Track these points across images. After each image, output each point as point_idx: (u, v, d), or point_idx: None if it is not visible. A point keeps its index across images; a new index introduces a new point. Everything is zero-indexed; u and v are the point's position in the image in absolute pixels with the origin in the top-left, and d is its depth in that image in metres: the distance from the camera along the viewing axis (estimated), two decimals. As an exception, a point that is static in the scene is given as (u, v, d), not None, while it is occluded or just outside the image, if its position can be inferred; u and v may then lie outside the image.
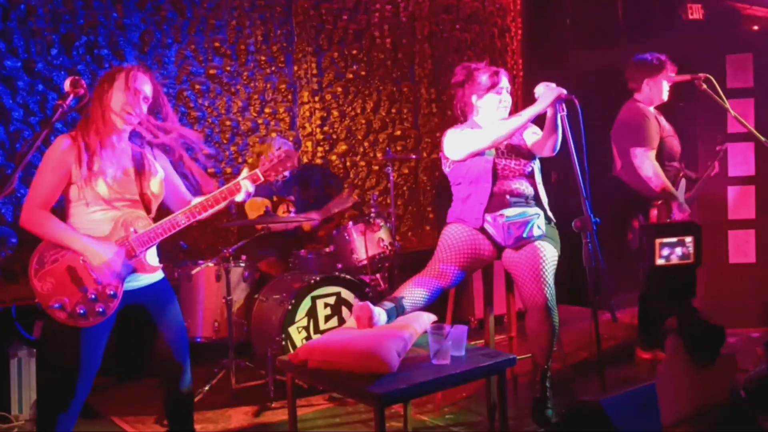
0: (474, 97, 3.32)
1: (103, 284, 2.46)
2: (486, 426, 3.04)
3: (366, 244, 4.24)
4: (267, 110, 5.02)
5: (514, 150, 3.28)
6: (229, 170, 4.82)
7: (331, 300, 3.90)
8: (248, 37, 4.91)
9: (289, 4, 5.10)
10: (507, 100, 3.31)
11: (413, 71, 5.78)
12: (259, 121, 4.99)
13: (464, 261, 3.18)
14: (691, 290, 4.18)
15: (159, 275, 2.69)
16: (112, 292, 2.48)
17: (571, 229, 2.95)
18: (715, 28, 5.08)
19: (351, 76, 5.42)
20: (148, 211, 2.63)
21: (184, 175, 2.84)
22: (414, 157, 5.45)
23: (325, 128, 5.31)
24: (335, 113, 5.36)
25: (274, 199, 4.61)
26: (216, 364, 4.02)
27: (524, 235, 3.12)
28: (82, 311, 2.43)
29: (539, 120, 3.17)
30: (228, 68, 4.83)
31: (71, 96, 2.38)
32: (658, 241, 3.50)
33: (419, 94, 5.81)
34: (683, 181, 4.18)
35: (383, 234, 4.31)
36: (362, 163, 5.51)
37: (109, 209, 2.53)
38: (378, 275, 4.29)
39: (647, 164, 3.97)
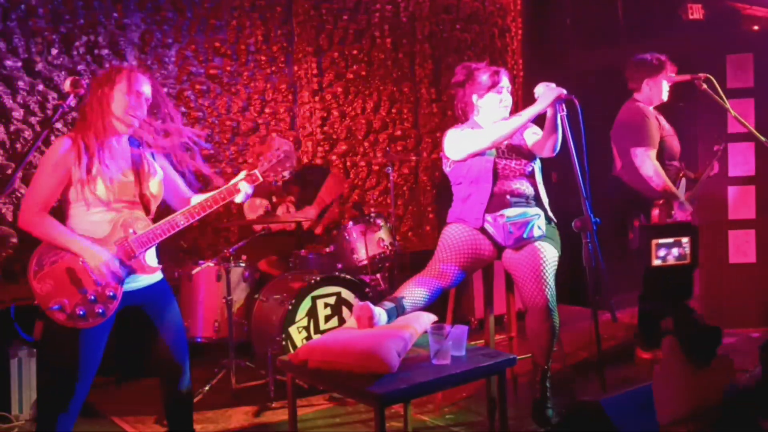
0: (475, 97, 3.32)
1: (102, 285, 2.46)
2: (486, 426, 3.03)
3: (366, 244, 4.25)
4: (267, 110, 5.03)
5: (515, 150, 3.28)
6: (229, 170, 4.82)
7: (332, 300, 3.90)
8: (248, 37, 4.91)
9: (289, 4, 5.10)
10: (507, 99, 3.31)
11: (413, 71, 5.79)
12: (260, 121, 4.99)
13: (464, 261, 3.17)
14: (688, 291, 4.18)
15: (158, 276, 2.69)
16: (111, 294, 2.48)
17: (571, 229, 2.94)
18: (716, 28, 5.08)
19: (351, 76, 5.42)
20: (147, 211, 2.62)
21: (183, 173, 2.83)
22: (414, 158, 5.46)
23: (326, 128, 5.32)
24: (335, 113, 5.36)
25: (274, 200, 4.61)
26: (216, 364, 4.02)
27: (524, 236, 3.12)
28: (81, 312, 2.43)
29: (540, 120, 3.17)
30: (228, 68, 4.83)
31: (71, 96, 2.38)
32: (654, 241, 3.50)
33: (419, 94, 5.81)
34: (683, 181, 4.18)
35: (383, 234, 4.31)
36: (362, 163, 5.51)
37: (108, 211, 2.53)
38: (378, 275, 4.29)
39: (648, 164, 3.97)
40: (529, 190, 3.25)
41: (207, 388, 3.85)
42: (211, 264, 3.98)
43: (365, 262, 4.24)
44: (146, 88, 2.59)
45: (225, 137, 4.83)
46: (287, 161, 2.70)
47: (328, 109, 5.32)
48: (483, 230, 3.21)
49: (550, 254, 3.13)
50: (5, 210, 4.00)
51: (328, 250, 4.35)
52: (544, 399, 3.15)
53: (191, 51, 4.67)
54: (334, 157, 5.36)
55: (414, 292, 3.07)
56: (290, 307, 3.73)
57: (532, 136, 3.29)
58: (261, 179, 2.66)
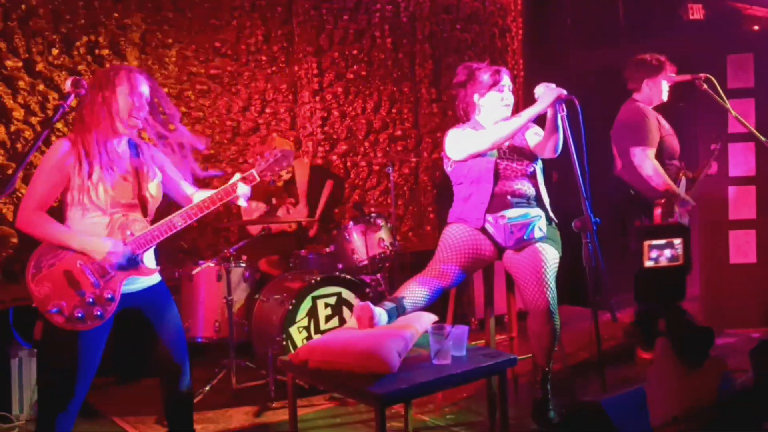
0: (476, 96, 3.31)
1: (101, 287, 2.46)
2: (486, 426, 3.04)
3: (366, 244, 4.24)
4: (268, 110, 5.03)
5: (516, 151, 3.28)
6: (230, 170, 4.82)
7: (332, 300, 3.90)
8: (249, 37, 4.92)
9: (289, 5, 5.10)
10: (509, 97, 3.30)
11: (414, 71, 5.79)
12: (260, 121, 5.00)
13: (465, 261, 3.17)
14: (681, 292, 4.19)
15: (156, 278, 2.69)
16: (109, 296, 2.48)
17: (572, 229, 2.94)
18: (716, 28, 5.08)
19: (351, 76, 5.42)
20: (145, 213, 2.61)
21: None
22: (414, 158, 5.46)
23: (326, 128, 5.32)
24: (336, 113, 5.36)
25: (274, 201, 4.61)
26: (217, 364, 4.02)
27: (525, 237, 3.12)
28: (80, 315, 2.43)
29: (541, 121, 3.17)
30: (229, 68, 4.84)
31: (72, 96, 2.38)
32: (646, 243, 3.50)
33: (420, 94, 5.82)
34: (684, 180, 4.18)
35: (384, 234, 4.31)
36: (363, 163, 5.51)
37: (106, 214, 2.52)
38: (379, 275, 4.29)
39: (647, 163, 3.97)
40: (530, 191, 3.25)
41: (207, 388, 3.85)
42: (212, 264, 3.98)
43: (366, 262, 4.24)
44: (145, 88, 2.58)
45: (225, 137, 4.84)
46: (284, 160, 2.69)
47: (328, 109, 5.32)
48: (484, 230, 3.21)
49: (551, 256, 3.13)
50: (5, 210, 4.00)
51: (328, 250, 4.35)
52: (545, 400, 3.15)
53: (192, 51, 4.67)
54: (334, 157, 5.36)
55: (414, 292, 3.06)
56: (291, 307, 3.73)
57: (534, 136, 3.28)
58: (258, 179, 2.66)
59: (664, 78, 4.10)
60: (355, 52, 5.43)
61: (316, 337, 3.76)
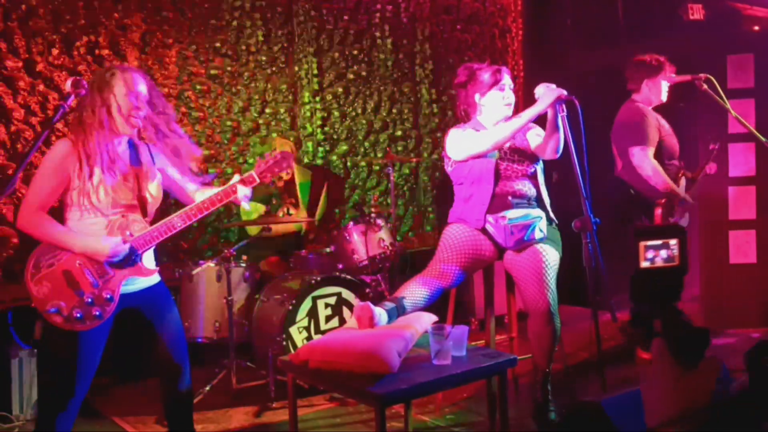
0: (477, 96, 3.30)
1: (99, 287, 2.47)
2: (487, 426, 3.04)
3: (367, 244, 4.25)
4: (268, 110, 5.03)
5: (517, 151, 3.27)
6: (230, 171, 4.82)
7: (332, 300, 3.91)
8: (249, 38, 4.92)
9: (289, 5, 5.11)
10: (510, 96, 3.29)
11: (414, 72, 5.79)
12: (260, 121, 5.00)
13: (465, 261, 3.17)
14: (676, 293, 4.19)
15: (156, 278, 2.69)
16: (108, 296, 2.48)
17: (572, 229, 2.94)
18: (716, 28, 5.07)
19: (352, 76, 5.43)
20: (144, 214, 2.61)
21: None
22: (415, 159, 5.46)
23: (326, 129, 5.32)
24: (336, 113, 5.36)
25: (274, 202, 4.61)
26: (217, 364, 4.02)
27: (525, 238, 3.12)
28: (78, 315, 2.43)
29: (541, 121, 3.17)
30: (229, 68, 4.84)
31: (72, 96, 2.38)
32: (642, 243, 3.50)
33: (420, 94, 5.82)
34: (683, 179, 4.19)
35: (384, 234, 4.31)
36: (363, 164, 5.51)
37: (106, 215, 2.52)
38: (379, 275, 4.29)
39: (647, 163, 3.97)
40: (531, 191, 3.24)
41: (207, 388, 3.85)
42: (212, 264, 3.98)
43: (366, 262, 4.24)
44: (143, 87, 2.58)
45: (226, 137, 4.84)
46: (284, 162, 2.69)
47: (328, 110, 5.32)
48: (484, 231, 3.20)
49: (551, 257, 3.13)
50: (6, 210, 4.00)
51: (328, 250, 4.35)
52: (546, 401, 3.15)
53: (192, 51, 4.68)
54: (334, 158, 5.36)
55: (415, 293, 3.06)
56: (291, 308, 3.73)
57: (535, 137, 3.27)
58: (258, 180, 2.66)
59: (664, 78, 4.10)
60: (355, 52, 5.43)
61: (316, 337, 3.77)
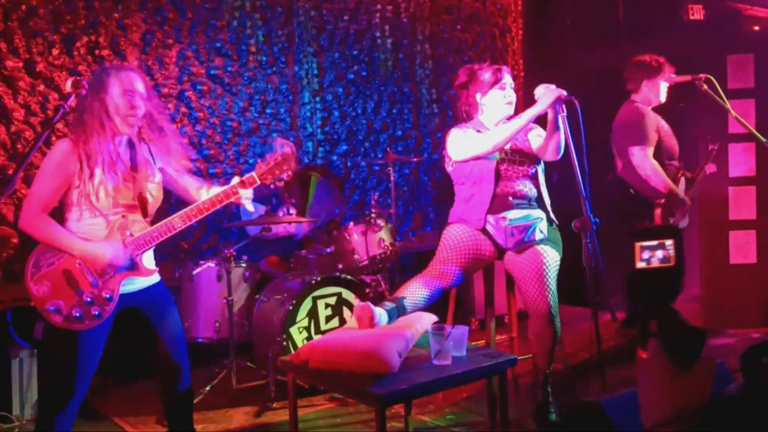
0: (478, 95, 3.30)
1: (99, 287, 2.47)
2: (487, 426, 3.04)
3: (367, 244, 4.24)
4: (268, 111, 5.03)
5: (519, 152, 3.26)
6: (230, 171, 4.82)
7: (332, 300, 3.91)
8: (249, 38, 4.92)
9: (290, 5, 5.11)
10: (511, 95, 3.28)
11: (414, 72, 5.79)
12: (261, 121, 5.00)
13: (465, 261, 3.17)
14: (673, 294, 4.19)
15: (156, 278, 2.69)
16: (108, 296, 2.48)
17: (571, 230, 2.94)
18: (716, 28, 5.08)
19: (352, 76, 5.43)
20: (145, 214, 2.62)
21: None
22: (415, 159, 5.46)
23: (327, 129, 5.32)
24: (336, 114, 5.37)
25: (274, 202, 4.61)
26: (217, 364, 4.03)
27: (526, 239, 3.11)
28: (78, 314, 2.44)
29: (542, 122, 3.16)
30: (229, 69, 4.84)
31: (72, 96, 2.38)
32: (638, 244, 3.50)
33: (420, 94, 5.82)
34: (683, 180, 4.19)
35: (384, 234, 4.31)
36: (363, 164, 5.51)
37: (107, 215, 2.53)
38: (379, 276, 4.29)
39: (646, 163, 3.97)
40: (531, 192, 3.24)
41: (208, 388, 3.85)
42: (212, 264, 3.98)
43: (366, 262, 4.24)
44: (139, 85, 2.57)
45: (226, 138, 4.84)
46: (285, 164, 2.68)
47: (329, 110, 5.32)
48: (484, 231, 3.20)
49: (552, 259, 3.12)
50: (6, 210, 4.00)
51: (328, 250, 4.35)
52: (546, 402, 3.15)
53: (192, 51, 4.68)
54: (335, 158, 5.36)
55: (415, 293, 3.06)
56: (291, 308, 3.73)
57: (537, 138, 3.26)
58: (258, 182, 2.65)
59: (663, 79, 4.10)
60: (355, 52, 5.43)
61: (316, 337, 3.77)
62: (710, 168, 4.38)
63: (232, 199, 2.62)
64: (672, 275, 3.88)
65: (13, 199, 4.00)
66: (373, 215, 4.39)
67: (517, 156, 3.24)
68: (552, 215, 3.31)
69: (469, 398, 3.66)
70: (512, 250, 3.18)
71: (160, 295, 2.69)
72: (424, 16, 5.81)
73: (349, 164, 5.44)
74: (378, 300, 3.36)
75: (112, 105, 2.50)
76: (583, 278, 2.89)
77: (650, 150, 3.99)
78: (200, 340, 3.99)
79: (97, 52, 4.28)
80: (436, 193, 5.89)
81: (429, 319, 2.92)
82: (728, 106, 3.89)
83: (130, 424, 3.52)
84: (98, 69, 2.66)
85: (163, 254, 2.79)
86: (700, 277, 5.01)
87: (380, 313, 2.83)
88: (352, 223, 4.30)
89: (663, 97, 4.16)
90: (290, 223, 4.62)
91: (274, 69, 5.04)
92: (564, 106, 3.00)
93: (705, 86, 3.87)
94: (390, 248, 4.30)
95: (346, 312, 3.93)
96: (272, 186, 2.74)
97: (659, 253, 3.50)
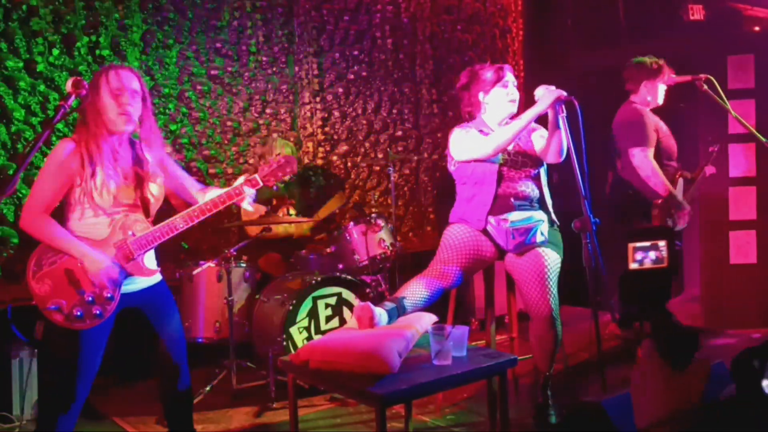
0: (481, 95, 3.28)
1: (99, 287, 2.47)
2: (487, 427, 3.03)
3: (367, 244, 4.24)
4: (268, 111, 5.03)
5: (521, 153, 3.25)
6: (230, 171, 4.82)
7: (332, 300, 3.91)
8: (249, 38, 4.92)
9: (290, 5, 5.10)
10: (514, 93, 3.27)
11: (414, 72, 5.79)
12: (261, 121, 4.99)
13: (466, 262, 3.17)
14: (666, 294, 4.18)
15: (157, 278, 2.69)
16: (109, 295, 2.49)
17: (571, 230, 2.94)
18: (717, 29, 5.08)
19: (352, 76, 5.43)
20: (147, 214, 2.62)
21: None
22: (415, 159, 5.46)
23: (327, 129, 5.32)
24: (336, 114, 5.36)
25: (274, 202, 4.61)
26: (217, 364, 4.03)
27: (527, 242, 3.11)
28: (79, 314, 2.44)
29: (544, 123, 3.16)
30: (229, 69, 4.83)
31: (73, 96, 2.38)
32: (631, 245, 3.50)
33: (420, 94, 5.82)
34: (681, 181, 4.19)
35: (384, 234, 4.31)
36: (363, 164, 5.51)
37: (108, 214, 2.53)
38: (379, 276, 4.29)
39: (646, 164, 3.98)
40: (534, 193, 3.23)
41: (208, 388, 3.85)
42: (212, 264, 3.98)
43: (366, 262, 4.24)
44: (132, 83, 2.56)
45: (226, 138, 4.84)
46: (287, 166, 2.70)
47: (329, 110, 5.32)
48: (485, 231, 3.20)
49: (553, 261, 3.12)
50: (6, 210, 4.00)
51: (328, 250, 4.35)
52: (546, 404, 3.15)
53: (192, 52, 4.67)
54: (334, 158, 5.36)
55: (415, 293, 3.06)
56: (291, 308, 3.73)
57: (540, 139, 3.25)
58: (261, 184, 2.67)
59: (662, 81, 4.11)
60: (355, 52, 5.43)
61: (316, 337, 3.77)
62: (710, 170, 4.39)
63: (235, 200, 2.63)
64: (665, 276, 3.89)
65: (13, 200, 3.99)
66: (373, 215, 4.39)
67: (520, 157, 3.23)
68: (553, 216, 3.30)
69: (469, 398, 3.66)
70: (513, 252, 3.17)
71: (161, 295, 2.70)
72: (424, 16, 5.80)
73: (348, 164, 5.44)
74: (378, 300, 3.36)
75: (107, 103, 2.50)
76: (583, 278, 2.89)
77: (650, 151, 4.00)
78: (200, 340, 3.99)
79: (97, 52, 4.28)
80: (436, 193, 5.88)
81: (429, 319, 2.92)
82: (728, 106, 3.90)
83: (130, 424, 3.52)
84: (100, 69, 2.66)
85: (163, 254, 2.79)
86: (701, 278, 5.02)
87: (380, 313, 2.83)
88: (352, 223, 4.31)
89: (661, 100, 4.16)
90: (290, 223, 4.62)
91: (274, 69, 5.04)
92: (564, 106, 3.00)
93: (705, 86, 3.88)
94: (390, 248, 4.30)
95: (346, 312, 3.93)
96: (275, 188, 2.76)
97: (652, 254, 3.50)
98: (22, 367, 3.61)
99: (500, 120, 3.27)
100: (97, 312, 2.46)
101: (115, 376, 4.10)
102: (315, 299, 3.84)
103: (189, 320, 3.97)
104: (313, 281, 3.83)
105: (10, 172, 3.97)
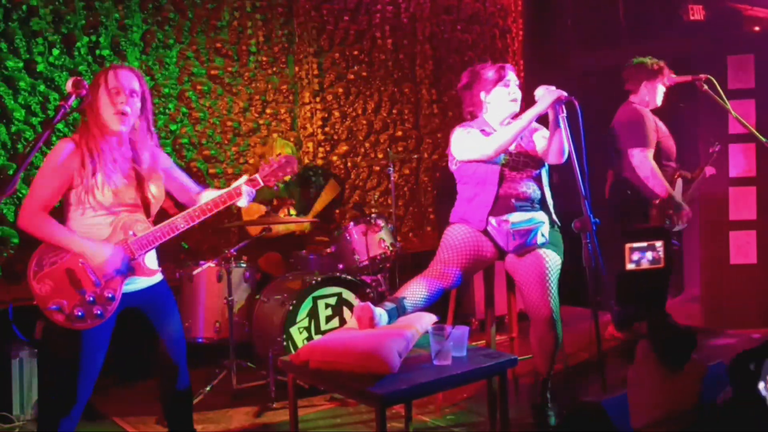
0: (482, 94, 3.27)
1: (101, 287, 2.47)
2: (487, 427, 3.04)
3: (367, 244, 4.24)
4: (268, 111, 5.03)
5: (523, 154, 3.24)
6: (230, 171, 4.82)
7: (332, 300, 3.91)
8: (249, 38, 4.92)
9: (290, 5, 5.11)
10: (515, 92, 3.26)
11: (414, 72, 5.79)
12: (261, 121, 5.00)
13: (466, 262, 3.17)
14: (663, 295, 4.18)
15: (158, 278, 2.69)
16: (110, 295, 2.49)
17: (571, 230, 2.94)
18: (717, 29, 5.08)
19: (352, 76, 5.43)
20: (147, 214, 2.62)
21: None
22: (415, 159, 5.46)
23: (327, 129, 5.32)
24: (336, 114, 5.36)
25: (274, 202, 4.61)
26: (217, 364, 4.03)
27: (527, 243, 3.11)
28: (80, 314, 2.44)
29: (545, 123, 3.16)
30: (229, 69, 4.84)
31: (73, 96, 2.38)
32: (628, 246, 3.50)
33: (420, 94, 5.82)
34: (680, 181, 4.19)
35: (384, 235, 4.31)
36: (363, 164, 5.51)
37: (109, 214, 2.53)
38: (379, 276, 4.29)
39: (646, 165, 3.98)
40: (535, 193, 3.23)
41: (208, 388, 3.85)
42: (212, 264, 3.98)
43: (366, 262, 4.24)
44: (133, 83, 2.55)
45: (226, 138, 4.84)
46: (288, 166, 2.71)
47: (329, 110, 5.32)
48: (485, 232, 3.20)
49: (553, 263, 3.12)
50: (6, 210, 4.00)
51: (329, 250, 4.35)
52: (545, 406, 3.15)
53: (192, 51, 4.68)
54: (335, 158, 5.36)
55: (415, 293, 3.06)
56: (291, 308, 3.73)
57: (541, 140, 3.24)
58: (262, 184, 2.67)
59: (662, 82, 4.11)
60: (355, 52, 5.43)
61: (316, 337, 3.77)
62: (710, 170, 4.39)
63: (235, 201, 2.63)
64: (662, 277, 3.89)
65: (14, 200, 4.00)
66: (373, 215, 4.39)
67: (522, 158, 3.22)
68: (554, 217, 3.30)
69: (469, 398, 3.66)
70: (513, 253, 3.17)
71: (161, 294, 2.70)
72: (424, 16, 5.80)
73: (348, 164, 5.44)
74: (378, 300, 3.36)
75: (105, 102, 2.50)
76: (583, 278, 2.89)
77: (650, 152, 4.00)
78: (200, 340, 3.99)
79: (97, 52, 4.28)
80: (436, 193, 5.88)
81: (429, 319, 2.92)
82: (728, 106, 3.90)
83: (130, 424, 3.52)
84: (102, 69, 2.67)
85: (163, 254, 2.79)
86: (701, 278, 5.01)
87: (380, 314, 2.83)
88: (352, 223, 4.31)
89: (659, 101, 4.17)
90: (290, 223, 4.62)
91: (274, 69, 5.04)
92: (564, 106, 3.00)
93: (705, 87, 3.88)
94: (390, 248, 4.30)
95: (346, 312, 3.93)
96: (275, 188, 2.76)
97: (649, 255, 3.50)
98: (22, 367, 3.61)
99: (502, 119, 3.27)
100: (98, 312, 2.46)
101: (115, 376, 4.10)
102: (315, 299, 3.84)
103: (189, 320, 3.97)
104: (313, 281, 3.83)
105: (10, 172, 3.97)
